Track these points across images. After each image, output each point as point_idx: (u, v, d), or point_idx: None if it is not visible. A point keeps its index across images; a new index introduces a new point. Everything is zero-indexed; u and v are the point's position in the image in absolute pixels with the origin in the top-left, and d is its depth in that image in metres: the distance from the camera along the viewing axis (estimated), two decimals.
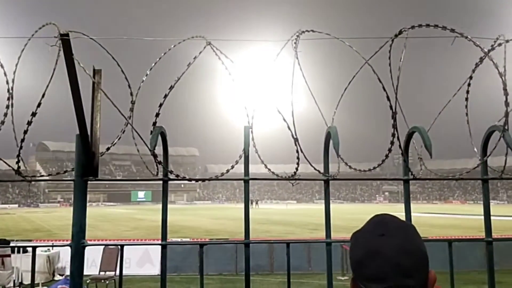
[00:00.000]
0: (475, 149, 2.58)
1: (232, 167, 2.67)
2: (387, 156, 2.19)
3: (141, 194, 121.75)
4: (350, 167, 2.56)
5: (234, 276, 14.36)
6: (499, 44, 2.42)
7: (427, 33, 2.58)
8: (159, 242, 2.32)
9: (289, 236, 26.05)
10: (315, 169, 2.30)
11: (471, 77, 2.67)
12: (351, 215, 43.40)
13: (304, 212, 57.05)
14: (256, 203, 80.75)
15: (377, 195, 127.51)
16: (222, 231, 29.65)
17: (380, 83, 2.11)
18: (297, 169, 2.34)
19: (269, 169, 2.62)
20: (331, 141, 2.39)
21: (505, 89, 2.21)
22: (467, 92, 2.70)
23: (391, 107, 2.12)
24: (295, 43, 2.51)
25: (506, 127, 2.21)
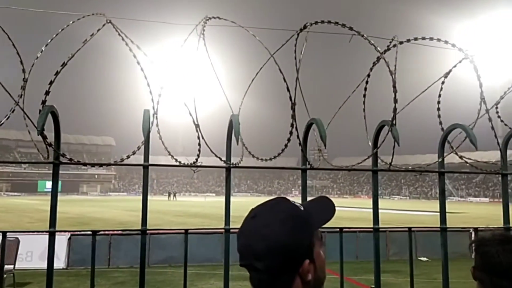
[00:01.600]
0: (369, 143, 2.75)
1: (134, 153, 2.58)
2: (286, 145, 2.25)
3: (49, 184, 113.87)
4: (253, 156, 2.60)
5: (146, 269, 14.04)
6: (394, 45, 2.58)
7: (334, 30, 2.70)
8: (46, 230, 2.18)
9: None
10: (216, 156, 2.30)
11: (368, 75, 2.83)
12: None
13: (222, 205, 57.32)
14: (174, 195, 79.35)
15: (293, 189, 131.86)
16: (136, 223, 28.76)
17: (281, 73, 2.16)
18: (198, 155, 2.32)
19: (172, 156, 2.57)
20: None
21: (394, 87, 2.36)
22: (365, 89, 2.86)
23: (290, 98, 2.18)
24: (203, 29, 2.49)
25: (394, 122, 2.37)
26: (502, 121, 3.40)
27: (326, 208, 1.30)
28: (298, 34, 2.57)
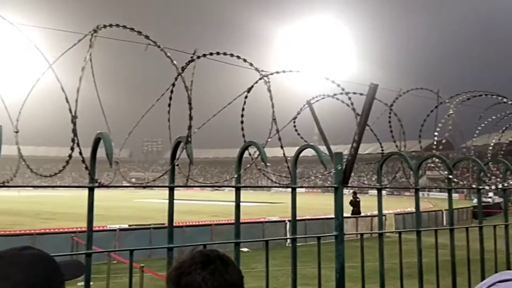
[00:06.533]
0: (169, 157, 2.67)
1: None
2: (67, 162, 2.00)
3: None
4: (36, 173, 2.25)
5: None
6: (192, 60, 2.52)
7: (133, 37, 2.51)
8: None
9: (16, 227, 23.03)
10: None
11: (172, 91, 2.67)
12: None
13: (41, 200, 51.76)
14: None
15: None
16: None
17: (59, 82, 1.90)
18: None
19: None
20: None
21: (189, 103, 2.31)
22: (170, 98, 2.73)
23: (70, 110, 1.93)
24: None
25: (189, 140, 2.32)
26: (298, 134, 3.72)
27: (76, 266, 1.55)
28: (92, 35, 2.32)
